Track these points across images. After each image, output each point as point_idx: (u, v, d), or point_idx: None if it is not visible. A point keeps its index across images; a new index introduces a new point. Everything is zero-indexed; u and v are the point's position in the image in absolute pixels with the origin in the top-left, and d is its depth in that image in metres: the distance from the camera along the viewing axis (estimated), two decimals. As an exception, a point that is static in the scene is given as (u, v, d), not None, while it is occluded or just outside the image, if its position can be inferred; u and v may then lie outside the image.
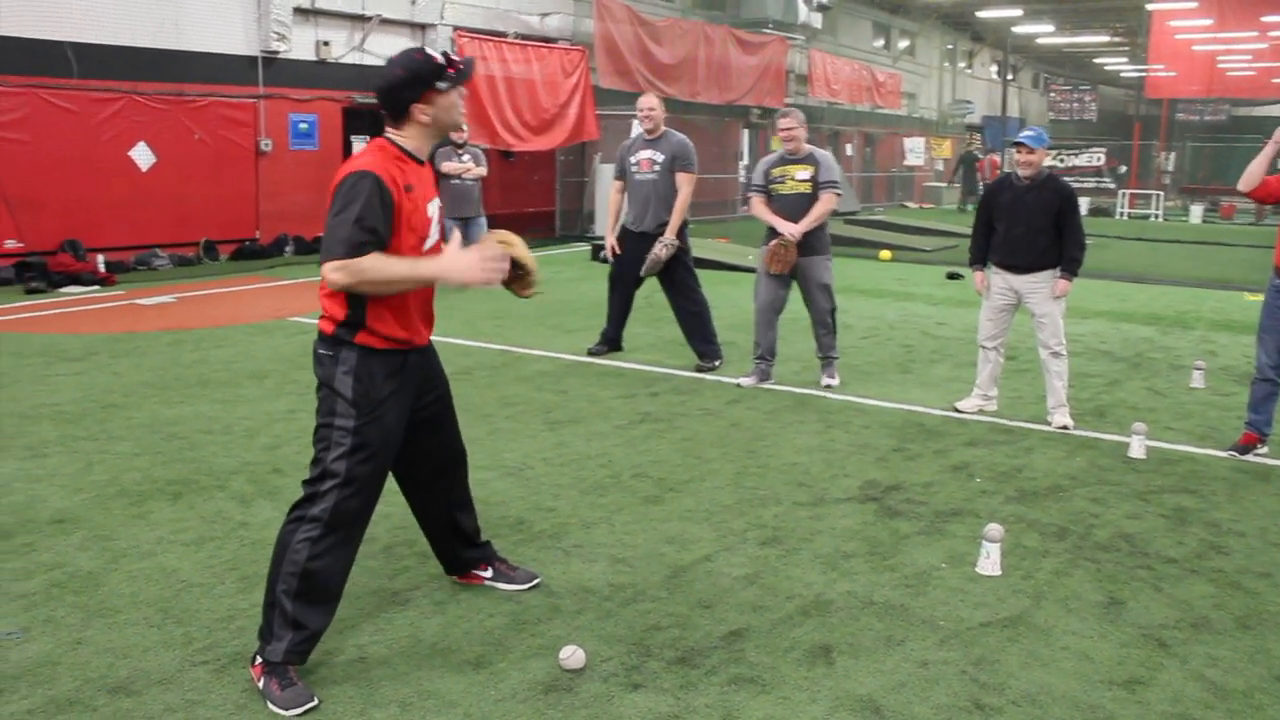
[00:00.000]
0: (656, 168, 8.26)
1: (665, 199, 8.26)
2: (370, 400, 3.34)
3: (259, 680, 3.30)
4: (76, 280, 12.41)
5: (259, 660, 3.33)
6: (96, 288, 12.40)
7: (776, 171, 7.56)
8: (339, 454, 3.33)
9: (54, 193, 13.25)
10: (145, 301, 11.41)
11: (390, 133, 3.43)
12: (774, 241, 7.38)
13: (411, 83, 3.35)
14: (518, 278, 3.67)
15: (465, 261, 3.24)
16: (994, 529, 4.44)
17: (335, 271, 3.17)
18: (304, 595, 3.30)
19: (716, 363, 8.37)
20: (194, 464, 5.65)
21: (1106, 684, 3.52)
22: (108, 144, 13.83)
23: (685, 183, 8.25)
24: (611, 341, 8.88)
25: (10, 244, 12.83)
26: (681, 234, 8.32)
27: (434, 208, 3.45)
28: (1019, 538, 4.82)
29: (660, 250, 8.17)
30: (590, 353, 8.79)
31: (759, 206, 7.62)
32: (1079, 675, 3.57)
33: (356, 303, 3.32)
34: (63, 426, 6.34)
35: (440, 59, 3.39)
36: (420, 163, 3.45)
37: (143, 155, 14.22)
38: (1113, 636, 3.87)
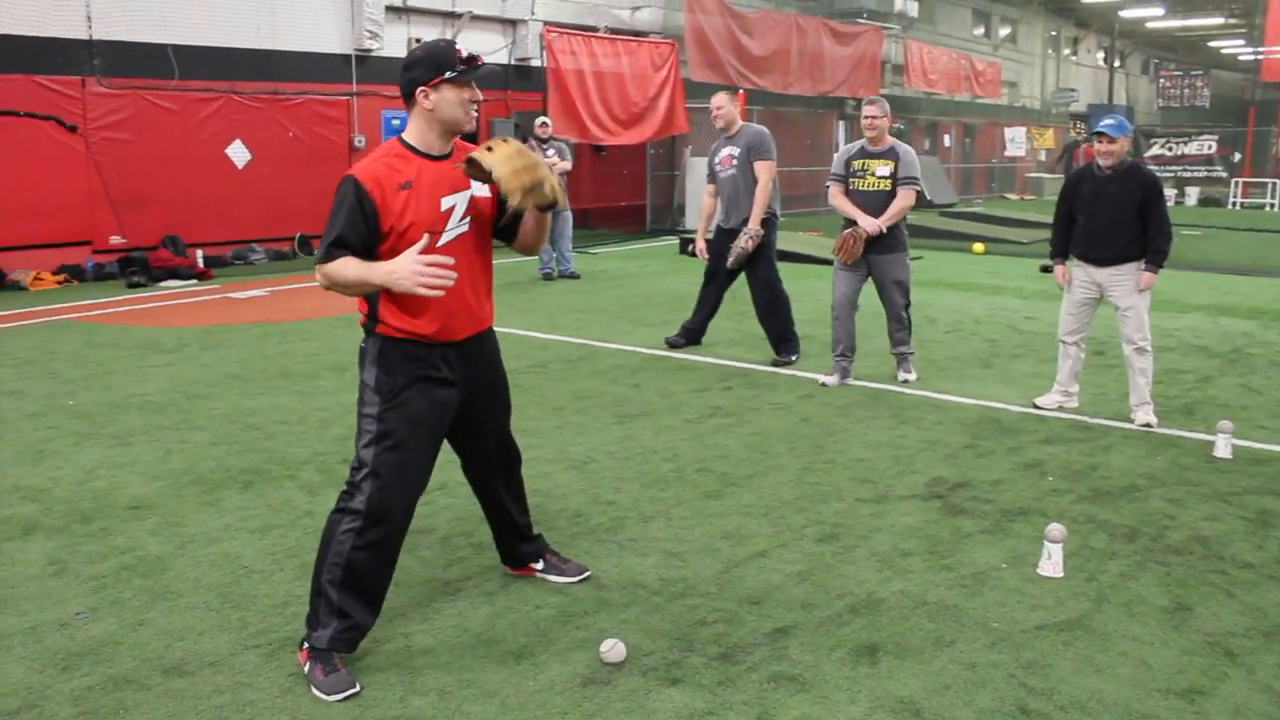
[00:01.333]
0: (735, 162, 8.24)
1: (748, 191, 8.23)
2: (391, 386, 3.40)
3: (305, 665, 3.38)
4: (175, 275, 12.83)
5: (305, 645, 3.41)
6: (194, 282, 12.81)
7: (857, 164, 7.44)
8: (366, 441, 3.40)
9: (155, 190, 13.71)
10: (238, 295, 11.74)
11: (404, 132, 3.49)
12: (845, 231, 7.28)
13: (424, 63, 3.39)
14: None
15: (402, 270, 3.22)
16: (1055, 529, 4.32)
17: (317, 273, 3.37)
18: (348, 585, 3.36)
19: (793, 357, 8.30)
20: (267, 453, 5.80)
21: (1163, 693, 3.41)
22: (206, 142, 14.27)
23: (764, 170, 8.20)
24: (691, 334, 8.87)
25: (115, 240, 13.33)
26: (768, 225, 8.27)
27: (454, 200, 3.44)
28: (1086, 538, 4.69)
29: (745, 241, 8.15)
30: (669, 343, 8.80)
31: (838, 196, 7.52)
32: (1134, 682, 3.46)
33: (371, 296, 3.41)
34: (149, 416, 6.56)
35: (460, 52, 3.42)
36: (432, 157, 3.45)
37: (238, 153, 14.62)
38: (1175, 643, 3.74)
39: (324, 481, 5.33)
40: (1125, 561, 4.46)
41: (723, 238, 8.50)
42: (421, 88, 3.38)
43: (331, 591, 3.35)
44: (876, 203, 7.29)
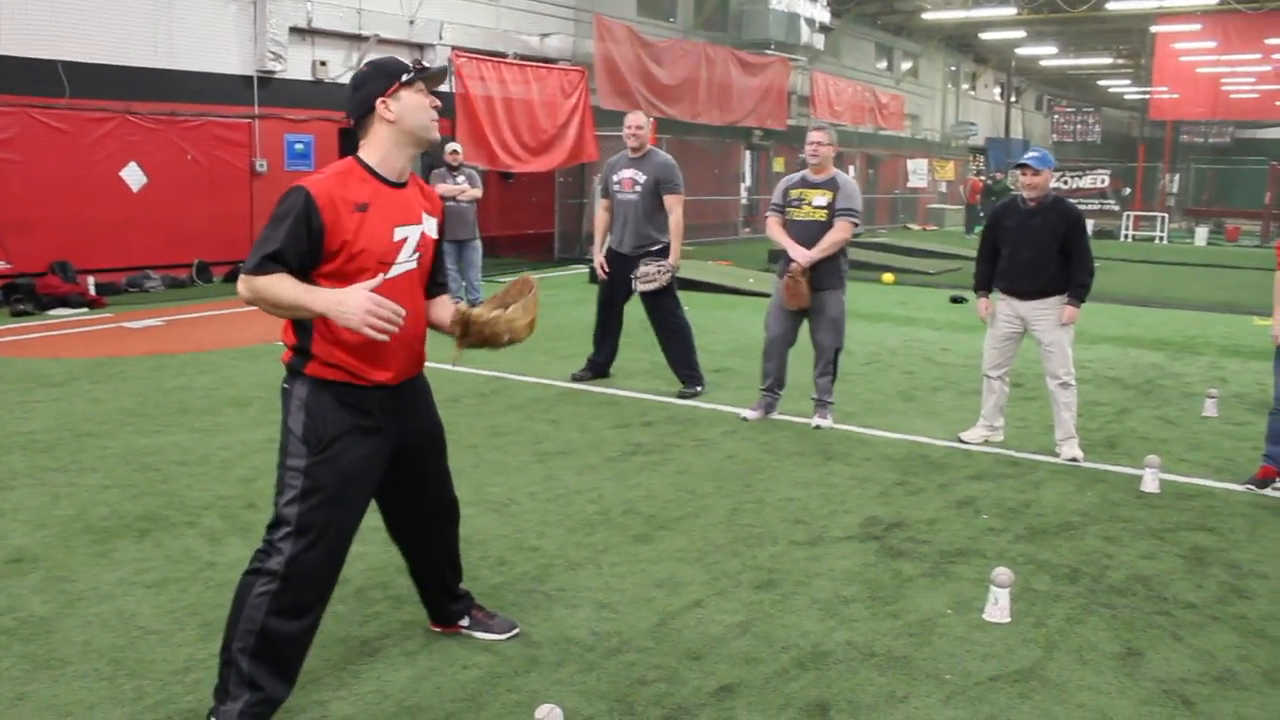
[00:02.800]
0: (638, 188, 8.07)
1: (646, 219, 8.07)
2: (321, 438, 3.08)
3: (210, 742, 3.05)
4: (64, 302, 12.21)
5: (212, 719, 3.08)
6: (85, 310, 12.20)
7: (795, 193, 7.20)
8: (290, 498, 3.08)
9: (44, 213, 13.08)
10: (132, 325, 11.19)
11: (360, 151, 3.21)
12: (787, 277, 7.07)
13: (377, 76, 3.18)
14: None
15: (352, 303, 2.91)
16: (1003, 573, 4.19)
17: (241, 283, 3.00)
18: (262, 655, 3.05)
19: (699, 389, 8.15)
20: (165, 497, 5.41)
21: (1126, 747, 3.27)
22: (99, 164, 13.68)
23: (676, 204, 8.06)
24: (598, 368, 8.66)
25: (-2, 265, 12.65)
26: (664, 259, 8.12)
27: (407, 232, 3.18)
28: (1029, 580, 4.57)
29: (663, 277, 7.98)
30: (574, 379, 8.57)
31: (774, 228, 7.30)
32: (1096, 737, 3.32)
33: (303, 329, 3.10)
34: (33, 457, 6.10)
35: (411, 63, 3.23)
36: (391, 184, 3.19)
37: (134, 176, 14.04)
38: (1131, 692, 3.61)
39: (227, 529, 4.97)
40: (1070, 604, 4.34)
41: (616, 262, 8.31)
42: (381, 98, 3.14)
43: (243, 661, 3.03)
44: (811, 233, 7.05)
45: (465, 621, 3.85)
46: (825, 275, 7.07)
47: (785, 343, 7.31)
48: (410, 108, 3.17)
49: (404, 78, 3.16)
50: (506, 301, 3.38)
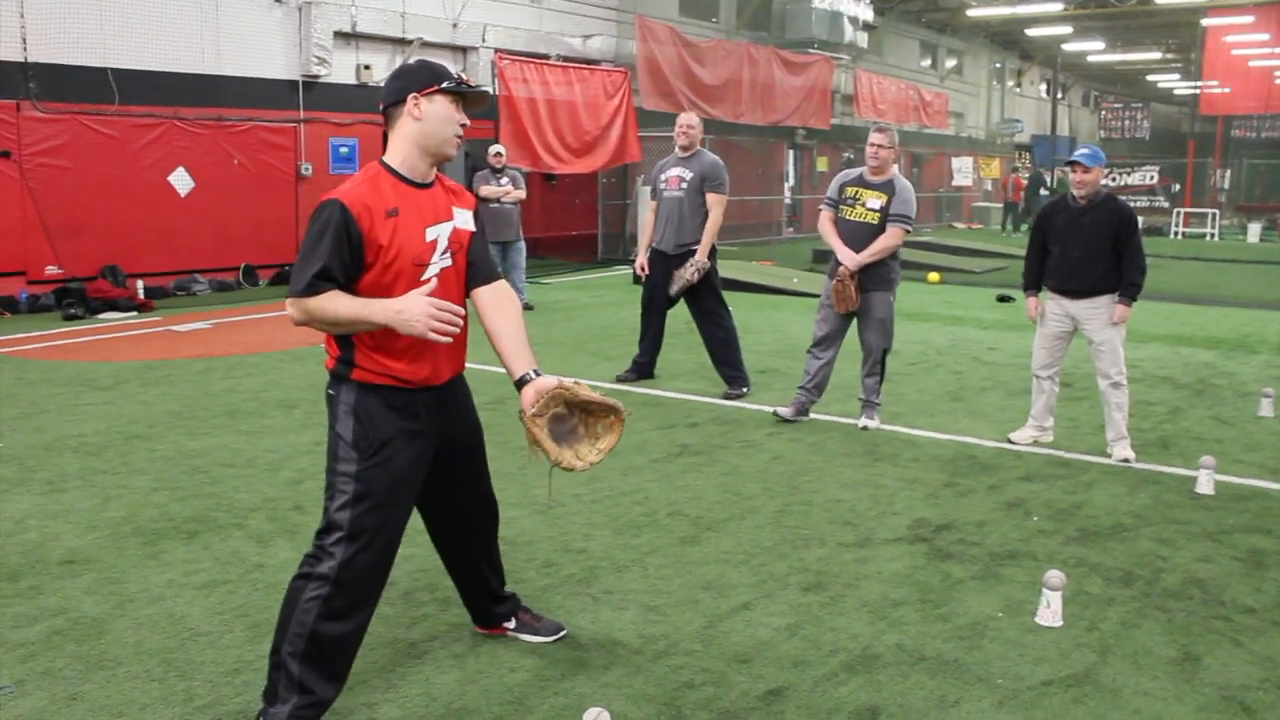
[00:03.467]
0: (684, 185, 8.06)
1: (689, 218, 8.06)
2: (371, 442, 3.09)
3: (260, 743, 3.06)
4: (114, 306, 12.36)
5: (261, 720, 3.10)
6: (134, 314, 12.35)
7: (850, 191, 7.10)
8: (342, 503, 3.08)
9: (94, 219, 13.25)
10: (180, 328, 11.32)
11: (385, 155, 3.22)
12: (835, 280, 7.00)
13: (419, 72, 3.19)
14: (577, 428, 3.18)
15: (414, 310, 2.93)
16: (1055, 576, 4.12)
17: (291, 307, 3.01)
18: (312, 659, 3.05)
19: (744, 389, 8.11)
20: (213, 499, 5.45)
21: (1185, 755, 3.20)
22: (147, 170, 13.84)
23: (716, 204, 8.03)
24: (642, 369, 8.64)
25: (50, 270, 12.84)
26: (709, 258, 8.09)
27: (438, 231, 3.18)
28: (1081, 583, 4.49)
29: (690, 273, 7.96)
30: (619, 380, 8.55)
31: (826, 224, 7.21)
32: (1154, 744, 3.25)
33: (345, 338, 3.11)
34: (84, 459, 6.17)
35: (454, 70, 3.21)
36: (417, 185, 3.19)
37: (182, 180, 14.21)
38: (1189, 699, 3.53)
39: (275, 530, 5.00)
40: (1124, 608, 4.26)
41: (658, 262, 8.32)
42: (415, 94, 3.13)
43: (292, 664, 3.04)
44: (860, 235, 6.96)
45: (511, 624, 3.83)
46: (873, 278, 6.99)
47: (831, 343, 7.23)
48: (439, 115, 3.15)
49: (444, 84, 3.15)
50: (588, 420, 3.21)
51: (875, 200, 6.98)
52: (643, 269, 8.43)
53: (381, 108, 3.22)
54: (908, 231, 7.03)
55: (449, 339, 2.97)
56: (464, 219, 3.29)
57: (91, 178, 13.21)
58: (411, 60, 3.29)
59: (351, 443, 3.09)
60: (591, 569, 4.59)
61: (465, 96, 3.20)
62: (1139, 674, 3.70)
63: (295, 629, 3.04)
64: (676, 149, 8.26)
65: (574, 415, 3.21)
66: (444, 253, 3.19)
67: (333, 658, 3.10)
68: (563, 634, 3.85)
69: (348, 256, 2.98)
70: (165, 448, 6.44)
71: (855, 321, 7.17)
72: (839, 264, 6.99)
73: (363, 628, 3.20)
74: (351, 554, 3.06)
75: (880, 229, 6.94)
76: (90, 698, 3.41)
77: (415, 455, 3.19)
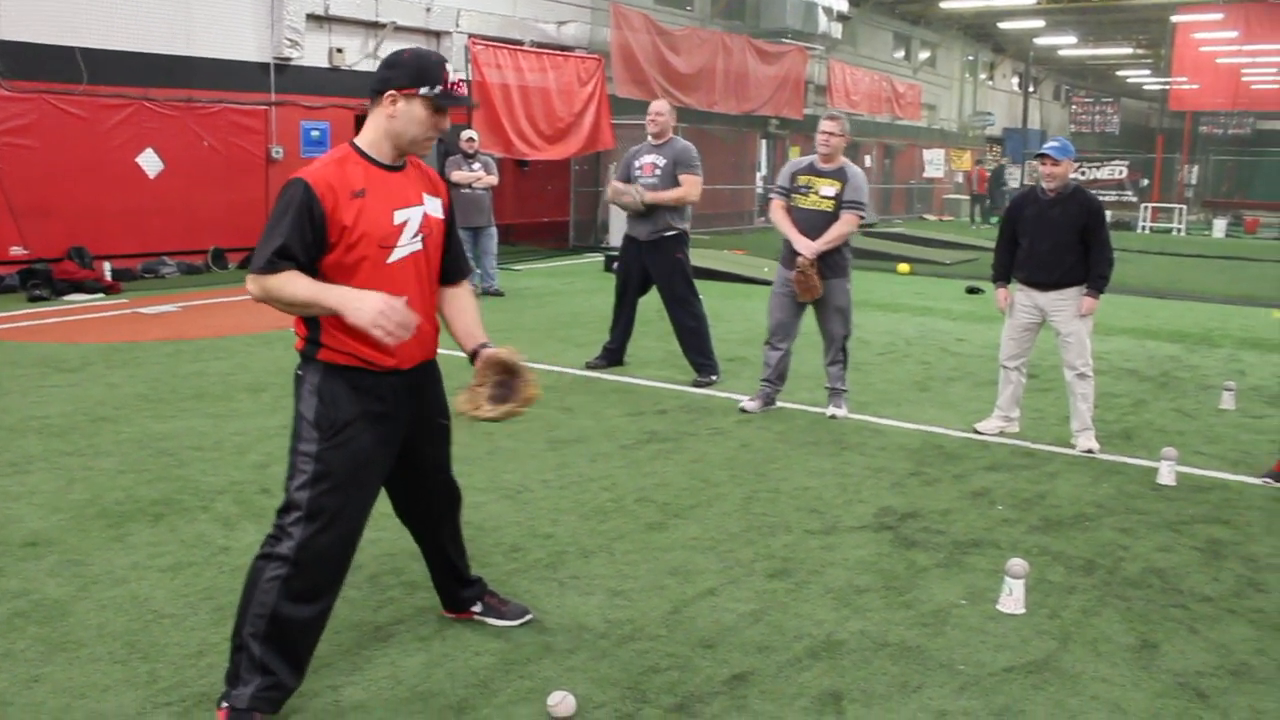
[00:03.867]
0: (658, 172, 8.07)
1: (666, 207, 8.07)
2: (333, 423, 3.08)
3: (224, 726, 3.06)
4: (81, 288, 12.24)
5: (224, 705, 3.09)
6: (101, 296, 12.23)
7: (803, 179, 7.10)
8: (301, 482, 3.08)
9: (61, 199, 13.10)
10: (148, 310, 11.23)
11: (357, 137, 3.21)
12: (796, 271, 7.02)
13: (405, 68, 3.13)
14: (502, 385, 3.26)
15: (367, 306, 2.90)
16: (1018, 564, 4.16)
17: (251, 283, 3.00)
18: (273, 640, 3.04)
19: (713, 378, 8.14)
20: (179, 482, 5.42)
21: (1141, 740, 3.25)
22: (116, 150, 13.70)
23: (687, 180, 8.05)
24: (612, 355, 8.66)
25: (15, 250, 12.69)
26: (681, 246, 8.13)
27: (408, 214, 3.17)
28: (1043, 571, 4.54)
29: (634, 194, 8.04)
30: (589, 366, 8.57)
31: (778, 213, 7.21)
32: (1110, 729, 3.30)
33: (312, 318, 3.10)
34: (48, 441, 6.12)
35: (447, 74, 3.16)
36: (387, 168, 3.18)
37: (151, 162, 14.07)
38: (1146, 685, 3.59)
39: (241, 513, 4.98)
40: (1085, 596, 4.32)
41: (633, 249, 8.33)
42: (394, 91, 3.10)
43: (254, 646, 3.03)
44: (816, 223, 6.98)
45: (478, 608, 3.84)
46: (830, 265, 7.02)
47: (788, 332, 7.26)
48: (413, 118, 3.12)
49: (423, 90, 3.10)
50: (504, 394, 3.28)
51: (829, 188, 7.00)
52: (617, 189, 8.42)
53: (370, 92, 3.20)
54: (862, 218, 7.08)
55: (392, 341, 2.94)
56: (434, 206, 3.28)
57: (59, 158, 13.06)
58: (407, 51, 3.22)
59: (313, 422, 3.08)
60: (558, 554, 4.60)
61: (443, 103, 3.15)
62: (1098, 661, 3.75)
63: (256, 610, 3.04)
64: (649, 137, 8.27)
65: (514, 381, 3.26)
66: (414, 236, 3.18)
67: (295, 640, 3.10)
68: (529, 618, 3.87)
69: (309, 236, 2.97)
70: (131, 430, 6.39)
71: (813, 310, 7.19)
72: (796, 253, 7.00)
73: (325, 611, 3.19)
74: (310, 534, 3.06)
75: (835, 216, 6.97)
76: (52, 679, 3.40)
77: (379, 438, 3.18)
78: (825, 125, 7.04)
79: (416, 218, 3.20)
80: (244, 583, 3.13)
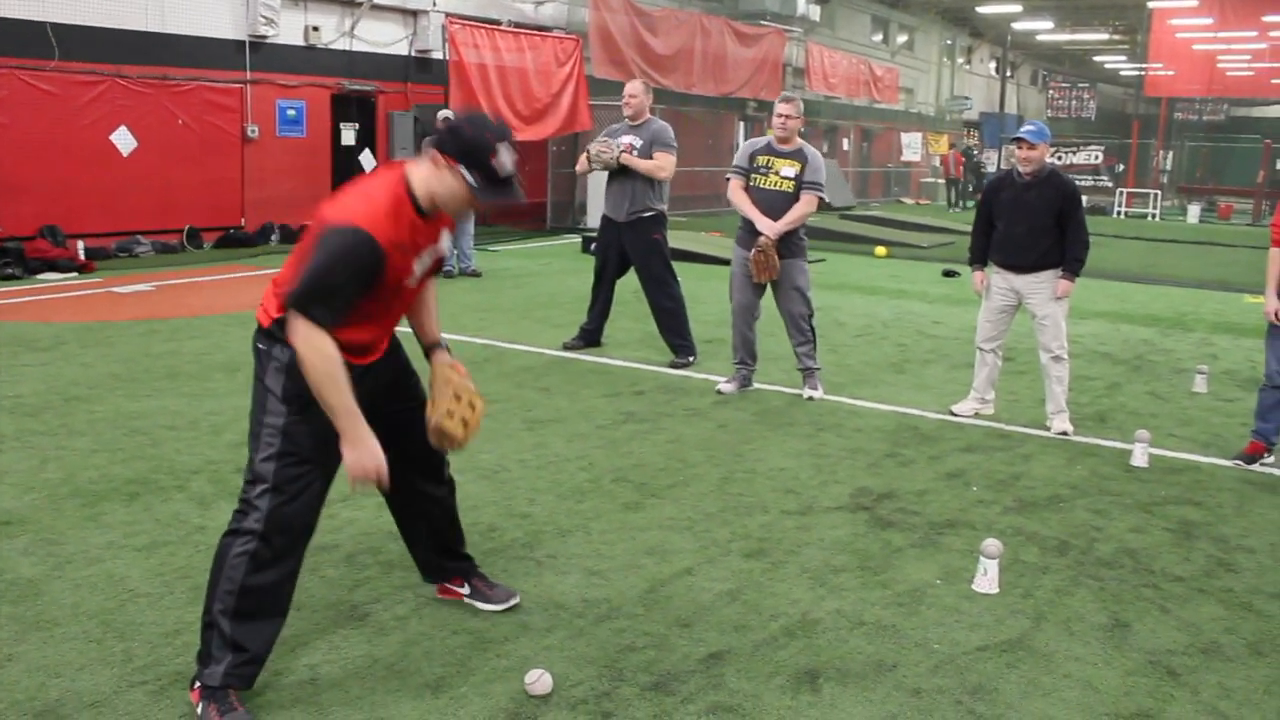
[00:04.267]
0: (635, 153, 8.04)
1: (644, 187, 8.06)
2: (301, 399, 3.05)
3: (198, 706, 3.04)
4: (53, 267, 12.12)
5: (197, 684, 3.08)
6: (74, 275, 12.11)
7: (761, 160, 7.11)
8: (267, 455, 3.06)
9: (33, 177, 12.96)
10: (122, 290, 11.13)
11: (414, 168, 3.09)
12: (756, 250, 7.02)
13: (460, 139, 3.02)
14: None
15: (363, 458, 3.01)
16: (992, 545, 4.20)
17: (301, 324, 2.91)
18: (243, 615, 3.03)
19: (690, 359, 8.16)
20: (154, 461, 5.39)
21: (1113, 717, 3.28)
22: (89, 128, 13.55)
23: (665, 158, 8.04)
24: (589, 336, 8.66)
25: (-13, 229, 12.56)
26: (659, 226, 8.14)
27: (427, 257, 3.21)
28: (1017, 552, 4.58)
29: (609, 153, 8.04)
30: (566, 347, 8.56)
31: (737, 192, 7.19)
32: (1083, 707, 3.33)
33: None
34: (20, 420, 6.07)
35: (498, 159, 3.02)
36: (424, 215, 3.10)
37: (124, 140, 13.93)
38: (1118, 663, 3.63)
39: (217, 493, 4.96)
40: (1059, 576, 4.36)
41: (611, 230, 8.32)
42: (448, 158, 3.01)
43: (224, 623, 3.02)
44: (776, 203, 6.99)
45: (465, 589, 3.83)
46: (788, 246, 7.04)
47: (747, 311, 7.28)
48: (451, 189, 3.05)
49: (471, 179, 3.01)
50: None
51: (789, 169, 7.02)
52: (588, 159, 8.39)
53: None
54: (821, 199, 7.10)
55: (355, 487, 3.09)
56: (445, 241, 3.31)
57: (30, 135, 12.91)
58: (474, 121, 3.10)
59: (281, 397, 3.07)
60: (535, 534, 4.60)
61: (486, 200, 3.06)
62: (1071, 640, 3.79)
63: (225, 586, 3.03)
64: (625, 119, 8.25)
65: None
66: (418, 276, 3.23)
67: (264, 611, 3.08)
68: (514, 602, 3.85)
69: (358, 298, 3.00)
70: (105, 409, 6.35)
71: (772, 291, 7.20)
72: (755, 233, 7.02)
73: (292, 576, 3.17)
74: (276, 505, 3.05)
75: (795, 197, 7.00)
76: (26, 658, 3.38)
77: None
78: (781, 108, 7.06)
79: (430, 258, 3.24)
80: (213, 561, 3.11)
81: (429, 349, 3.51)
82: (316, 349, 2.91)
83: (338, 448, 3.12)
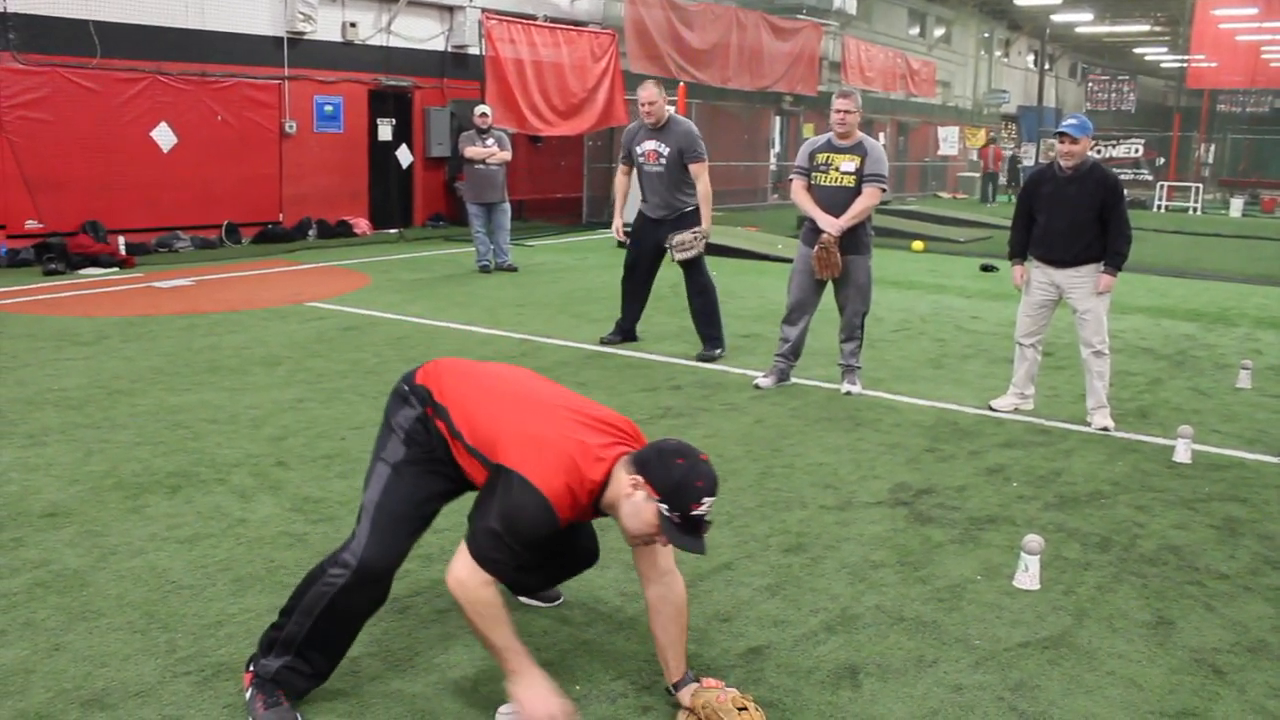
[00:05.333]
0: (663, 160, 8.03)
1: (673, 188, 8.07)
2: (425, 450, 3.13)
3: (247, 689, 3.07)
4: (95, 262, 12.28)
5: (252, 667, 3.11)
6: (115, 270, 12.26)
7: (821, 157, 7.07)
8: (375, 491, 3.13)
9: (75, 173, 13.14)
10: (162, 284, 11.25)
11: (620, 472, 2.92)
12: (818, 247, 6.99)
13: (668, 475, 2.84)
14: None
15: (534, 698, 2.85)
16: (1034, 540, 4.16)
17: (471, 574, 2.85)
18: (316, 635, 3.05)
19: (717, 351, 8.18)
20: (195, 455, 5.44)
21: (1157, 715, 3.24)
22: (130, 124, 13.71)
23: (701, 172, 8.03)
24: (626, 332, 8.66)
25: (30, 224, 12.73)
26: (697, 220, 8.12)
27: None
28: (1059, 548, 4.54)
29: (698, 243, 8.03)
30: (603, 342, 8.57)
31: (799, 193, 7.18)
32: (1127, 705, 3.29)
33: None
34: (65, 413, 6.15)
35: (700, 509, 2.85)
36: (596, 510, 3.02)
37: (164, 136, 14.08)
38: (1162, 661, 3.58)
39: (257, 486, 5.00)
40: (1101, 573, 4.31)
41: (649, 228, 8.29)
42: (645, 484, 2.85)
43: (298, 634, 3.03)
44: (838, 200, 6.96)
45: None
46: (852, 241, 6.99)
47: (807, 309, 7.25)
48: (644, 521, 2.88)
49: (664, 509, 2.82)
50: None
51: (849, 164, 6.97)
52: (620, 231, 8.51)
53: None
54: (884, 190, 7.05)
55: None
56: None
57: (72, 132, 13.08)
58: (687, 456, 2.90)
59: (404, 442, 3.11)
60: (574, 528, 4.60)
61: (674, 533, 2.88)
62: (1114, 637, 3.75)
63: (310, 601, 3.04)
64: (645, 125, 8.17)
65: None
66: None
67: (335, 638, 3.10)
68: (559, 601, 3.86)
69: (528, 561, 3.02)
70: (147, 403, 6.42)
71: (832, 287, 7.17)
72: (818, 231, 6.98)
73: (368, 614, 3.16)
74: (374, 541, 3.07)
75: (857, 192, 6.94)
76: (72, 648, 3.42)
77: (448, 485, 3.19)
78: (839, 103, 7.00)
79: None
80: (308, 573, 3.14)
81: (675, 685, 3.16)
82: (476, 596, 2.84)
83: (433, 509, 3.17)
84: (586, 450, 2.92)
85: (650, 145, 8.07)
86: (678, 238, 8.02)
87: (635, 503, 2.86)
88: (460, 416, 3.04)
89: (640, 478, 2.86)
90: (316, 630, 3.05)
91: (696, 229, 8.01)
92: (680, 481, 2.82)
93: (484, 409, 3.04)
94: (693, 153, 8.00)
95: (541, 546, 3.04)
